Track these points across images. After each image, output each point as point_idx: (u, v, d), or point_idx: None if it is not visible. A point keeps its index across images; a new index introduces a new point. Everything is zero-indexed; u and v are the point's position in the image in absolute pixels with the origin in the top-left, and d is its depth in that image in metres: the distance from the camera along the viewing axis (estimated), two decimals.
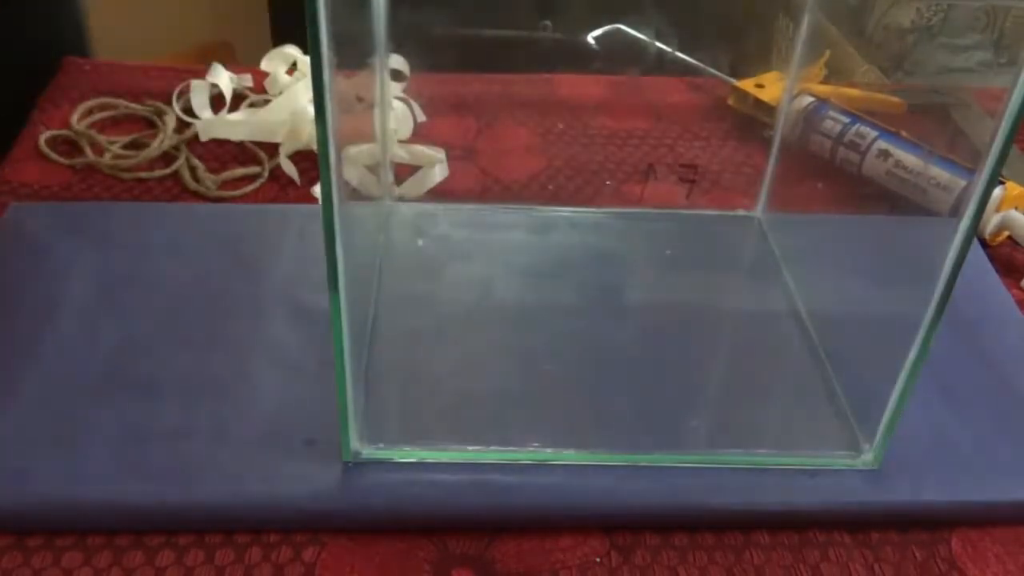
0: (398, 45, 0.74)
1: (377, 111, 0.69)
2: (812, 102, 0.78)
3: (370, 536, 0.50)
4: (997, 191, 0.74)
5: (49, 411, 0.54)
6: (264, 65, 0.88)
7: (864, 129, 0.75)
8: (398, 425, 0.56)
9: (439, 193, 0.76)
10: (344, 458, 0.52)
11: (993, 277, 0.70)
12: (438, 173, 0.76)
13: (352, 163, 0.59)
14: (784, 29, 0.84)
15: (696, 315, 0.66)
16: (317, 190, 0.75)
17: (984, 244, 0.74)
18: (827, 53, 0.73)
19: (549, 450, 0.54)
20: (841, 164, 0.76)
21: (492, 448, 0.54)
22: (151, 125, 0.82)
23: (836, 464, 0.55)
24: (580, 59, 0.89)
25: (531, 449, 0.54)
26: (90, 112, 0.82)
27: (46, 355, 0.58)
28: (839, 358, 0.61)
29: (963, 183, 0.66)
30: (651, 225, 0.75)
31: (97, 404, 0.55)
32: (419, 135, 0.81)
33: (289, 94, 0.83)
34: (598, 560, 0.50)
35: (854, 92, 0.85)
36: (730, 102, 0.88)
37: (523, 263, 0.70)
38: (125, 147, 0.78)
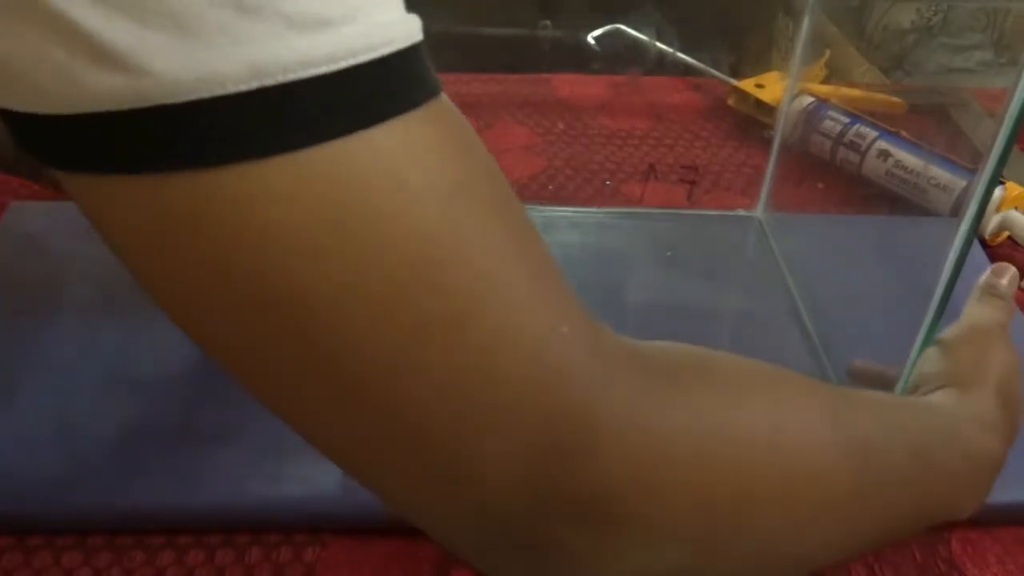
0: None
1: None
2: (812, 102, 0.78)
3: (370, 536, 0.50)
4: (997, 191, 0.74)
5: (49, 411, 0.54)
6: None
7: (864, 129, 0.75)
8: None
9: None
10: None
11: None
12: None
13: None
14: (784, 29, 0.85)
15: (696, 315, 0.66)
16: None
17: (984, 244, 0.74)
18: (827, 53, 0.74)
19: None
20: (841, 164, 0.76)
21: None
22: None
23: None
24: (580, 59, 0.89)
25: None
26: None
27: (46, 355, 0.58)
28: (839, 358, 0.61)
29: (963, 183, 0.66)
30: (651, 225, 0.75)
31: (97, 404, 0.55)
32: None
33: None
34: None
35: (854, 92, 0.85)
36: (730, 102, 0.88)
37: None
38: None
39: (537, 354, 0.25)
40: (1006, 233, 0.74)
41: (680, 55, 0.89)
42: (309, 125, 0.22)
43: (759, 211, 0.74)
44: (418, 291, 0.23)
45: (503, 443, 0.25)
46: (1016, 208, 0.74)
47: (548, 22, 0.86)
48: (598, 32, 0.88)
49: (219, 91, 0.21)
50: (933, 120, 0.77)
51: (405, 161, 0.23)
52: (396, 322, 0.23)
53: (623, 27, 0.88)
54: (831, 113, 0.77)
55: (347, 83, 0.22)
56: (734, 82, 0.87)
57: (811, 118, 0.77)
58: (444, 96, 0.26)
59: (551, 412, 0.25)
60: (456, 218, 0.24)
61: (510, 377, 0.25)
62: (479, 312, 0.24)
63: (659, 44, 0.89)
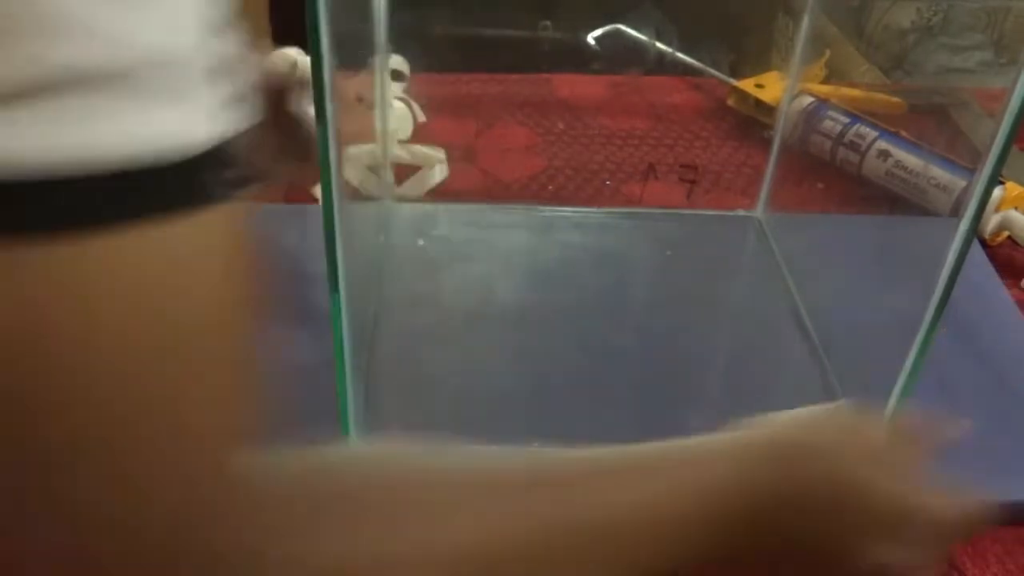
0: (398, 45, 0.74)
1: (377, 111, 0.69)
2: (812, 102, 0.78)
3: None
4: (997, 191, 0.74)
5: None
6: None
7: (864, 129, 0.75)
8: (399, 424, 0.56)
9: (439, 193, 0.76)
10: None
11: (993, 277, 0.70)
12: (438, 173, 0.76)
13: (352, 163, 0.59)
14: (784, 29, 0.84)
15: (696, 315, 0.66)
16: (317, 190, 0.75)
17: (984, 244, 0.74)
18: (827, 53, 0.74)
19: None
20: (841, 164, 0.76)
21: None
22: None
23: None
24: (580, 59, 0.89)
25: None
26: None
27: None
28: (839, 358, 0.61)
29: (963, 183, 0.66)
30: (651, 225, 0.75)
31: None
32: (419, 135, 0.81)
33: None
34: None
35: (854, 92, 0.85)
36: (730, 102, 0.88)
37: (523, 263, 0.70)
38: None
39: (171, 481, 0.27)
40: (1006, 233, 0.74)
41: (680, 55, 0.89)
42: (61, 216, 0.23)
43: (759, 211, 0.74)
44: (86, 398, 0.25)
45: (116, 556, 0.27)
46: (1016, 208, 0.74)
47: (548, 22, 0.86)
48: (598, 32, 0.88)
49: None
50: (933, 120, 0.77)
51: (135, 269, 0.25)
52: (68, 416, 0.25)
53: (623, 27, 0.88)
54: (831, 113, 0.77)
55: (104, 183, 0.23)
56: (734, 82, 0.87)
57: (811, 118, 0.77)
58: (232, 204, 0.26)
59: (165, 537, 0.27)
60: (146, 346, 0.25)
61: (133, 498, 0.27)
62: (129, 434, 0.26)
63: (659, 44, 0.89)
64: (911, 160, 0.73)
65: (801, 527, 0.40)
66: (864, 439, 0.42)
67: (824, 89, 0.80)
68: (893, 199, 0.73)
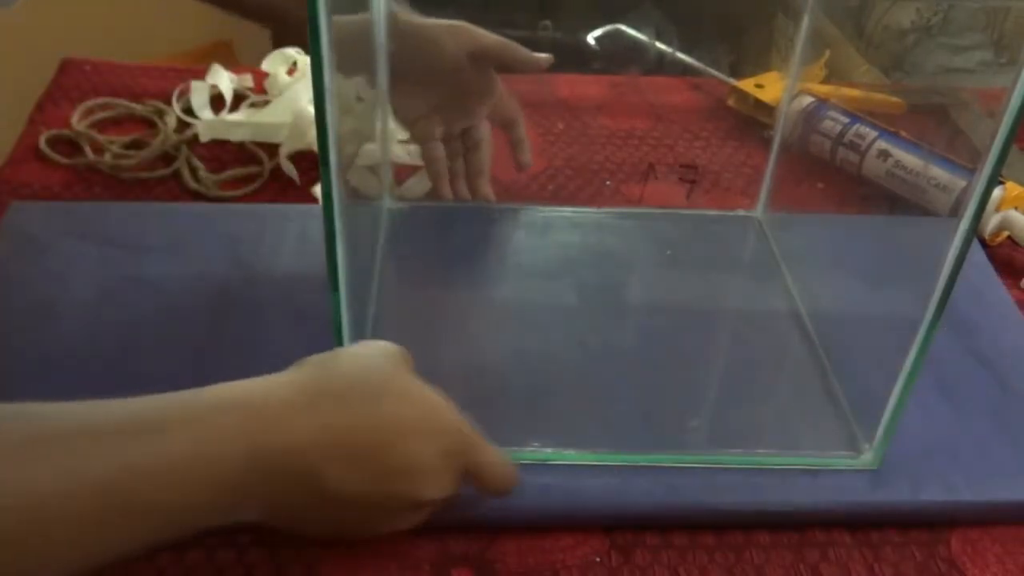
0: None
1: (377, 111, 0.69)
2: (812, 102, 0.78)
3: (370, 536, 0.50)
4: (997, 191, 0.74)
5: None
6: (265, 66, 0.88)
7: (864, 129, 0.75)
8: None
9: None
10: None
11: (993, 277, 0.70)
12: None
13: (352, 163, 0.59)
14: (784, 29, 0.84)
15: (696, 315, 0.66)
16: (317, 190, 0.75)
17: (984, 244, 0.74)
18: (827, 53, 0.73)
19: (549, 450, 0.54)
20: (841, 164, 0.76)
21: None
22: (151, 125, 0.82)
23: (836, 464, 0.55)
24: (580, 59, 0.89)
25: (531, 449, 0.54)
26: (90, 112, 0.82)
27: (46, 355, 0.58)
28: (839, 358, 0.61)
29: (963, 183, 0.66)
30: (651, 225, 0.75)
31: None
32: None
33: (290, 95, 0.83)
34: (598, 560, 0.50)
35: (854, 92, 0.85)
36: (730, 102, 0.88)
37: (523, 263, 0.70)
38: (125, 147, 0.78)
39: None
40: (1005, 233, 0.74)
41: (680, 55, 0.89)
42: None
43: (759, 211, 0.74)
44: None
45: None
46: (1016, 208, 0.74)
47: (548, 23, 0.86)
48: (598, 32, 0.88)
49: None
50: (933, 120, 0.77)
51: None
52: None
53: (623, 27, 0.88)
54: (831, 113, 0.77)
55: None
56: (734, 82, 0.87)
57: (811, 118, 0.77)
58: None
59: None
60: None
61: None
62: None
63: (659, 44, 0.89)
64: (911, 160, 0.73)
65: (343, 470, 0.43)
66: (401, 381, 0.46)
67: (824, 89, 0.80)
68: (893, 199, 0.73)
